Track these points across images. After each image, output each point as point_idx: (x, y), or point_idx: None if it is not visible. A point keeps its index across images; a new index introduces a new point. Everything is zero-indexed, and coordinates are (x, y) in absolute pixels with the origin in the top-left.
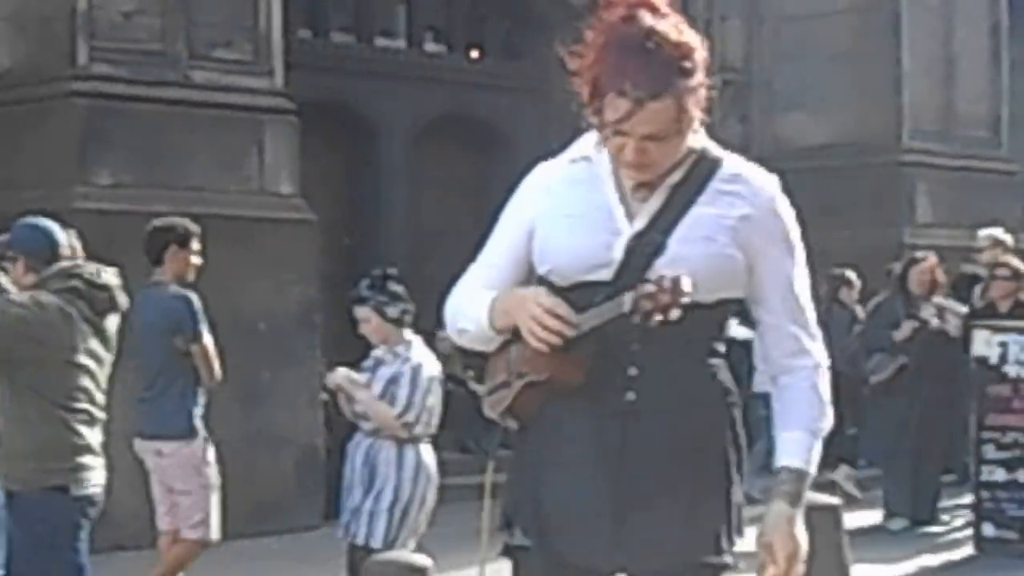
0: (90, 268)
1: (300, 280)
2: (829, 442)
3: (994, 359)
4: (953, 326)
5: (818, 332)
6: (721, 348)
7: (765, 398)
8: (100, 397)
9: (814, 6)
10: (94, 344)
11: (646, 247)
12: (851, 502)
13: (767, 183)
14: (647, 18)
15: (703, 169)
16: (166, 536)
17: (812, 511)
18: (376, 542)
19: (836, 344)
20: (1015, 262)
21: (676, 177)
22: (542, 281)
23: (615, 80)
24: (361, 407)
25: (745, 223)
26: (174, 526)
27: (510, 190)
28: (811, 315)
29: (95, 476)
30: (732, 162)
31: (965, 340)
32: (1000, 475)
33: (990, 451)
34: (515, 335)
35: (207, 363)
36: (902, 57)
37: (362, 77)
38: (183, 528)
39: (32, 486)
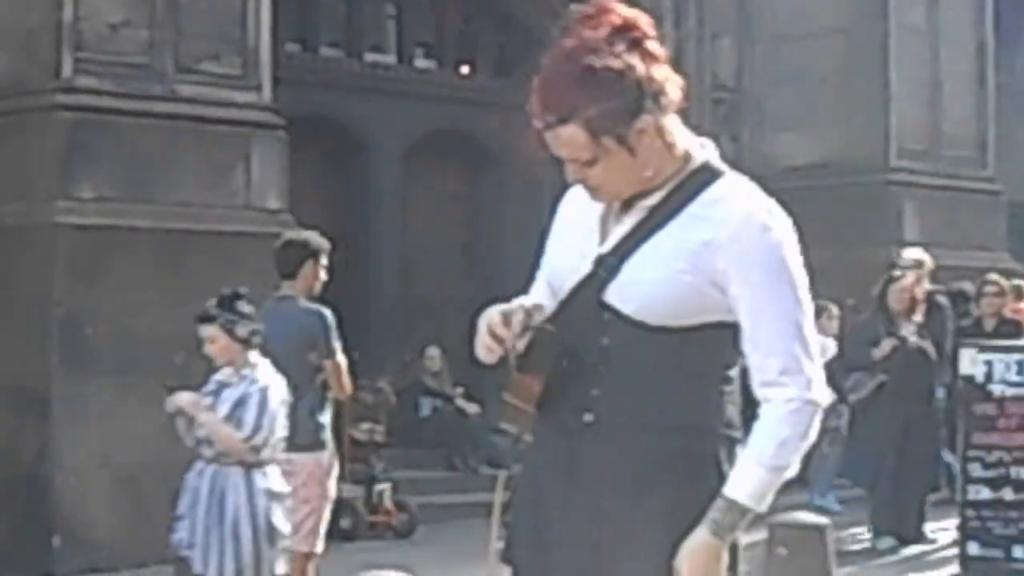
0: None
1: None
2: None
3: (980, 377)
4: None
5: (809, 364)
6: (711, 374)
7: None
8: None
9: (805, 27)
10: None
11: (604, 269)
12: None
13: (747, 208)
14: (571, 40)
15: (687, 190)
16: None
17: (798, 529)
18: (230, 573)
19: None
20: (1002, 280)
21: (654, 199)
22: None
23: (535, 104)
24: (205, 431)
25: (708, 248)
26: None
27: (500, 206)
28: (799, 345)
29: None
30: (723, 184)
31: (953, 358)
32: (985, 494)
33: (976, 470)
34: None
35: (339, 377)
36: (890, 78)
37: (352, 92)
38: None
39: None
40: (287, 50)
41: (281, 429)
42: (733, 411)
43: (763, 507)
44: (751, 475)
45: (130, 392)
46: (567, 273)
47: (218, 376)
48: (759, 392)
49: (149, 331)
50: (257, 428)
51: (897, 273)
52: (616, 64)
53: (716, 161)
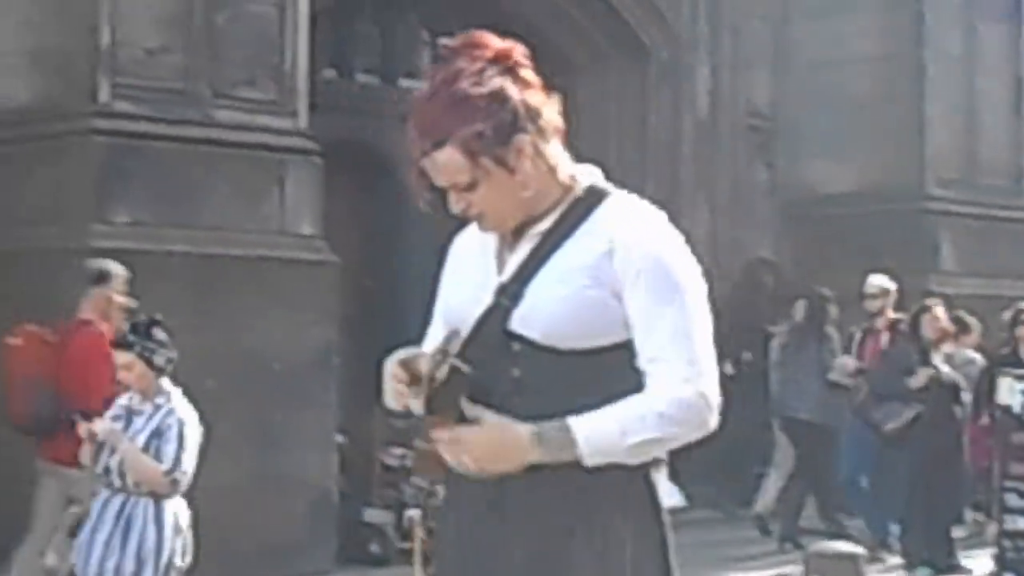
0: None
1: (318, 321)
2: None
3: (1017, 407)
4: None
5: (701, 366)
6: (625, 396)
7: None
8: None
9: (840, 54)
10: None
11: (506, 298)
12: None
13: (638, 220)
14: (443, 71)
15: (579, 211)
16: None
17: (834, 559)
18: None
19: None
20: None
21: (546, 224)
22: None
23: (412, 134)
24: (121, 460)
25: (606, 259)
26: None
27: None
28: (691, 348)
29: None
30: (612, 201)
31: (990, 388)
32: (1023, 524)
33: (1013, 500)
34: None
35: None
36: (926, 106)
37: (386, 118)
38: None
39: None
40: (323, 76)
41: (193, 463)
42: None
43: (587, 458)
44: (602, 423)
45: None
46: (468, 307)
47: (123, 401)
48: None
49: (181, 355)
50: (178, 461)
51: (929, 302)
52: (488, 87)
53: (603, 183)
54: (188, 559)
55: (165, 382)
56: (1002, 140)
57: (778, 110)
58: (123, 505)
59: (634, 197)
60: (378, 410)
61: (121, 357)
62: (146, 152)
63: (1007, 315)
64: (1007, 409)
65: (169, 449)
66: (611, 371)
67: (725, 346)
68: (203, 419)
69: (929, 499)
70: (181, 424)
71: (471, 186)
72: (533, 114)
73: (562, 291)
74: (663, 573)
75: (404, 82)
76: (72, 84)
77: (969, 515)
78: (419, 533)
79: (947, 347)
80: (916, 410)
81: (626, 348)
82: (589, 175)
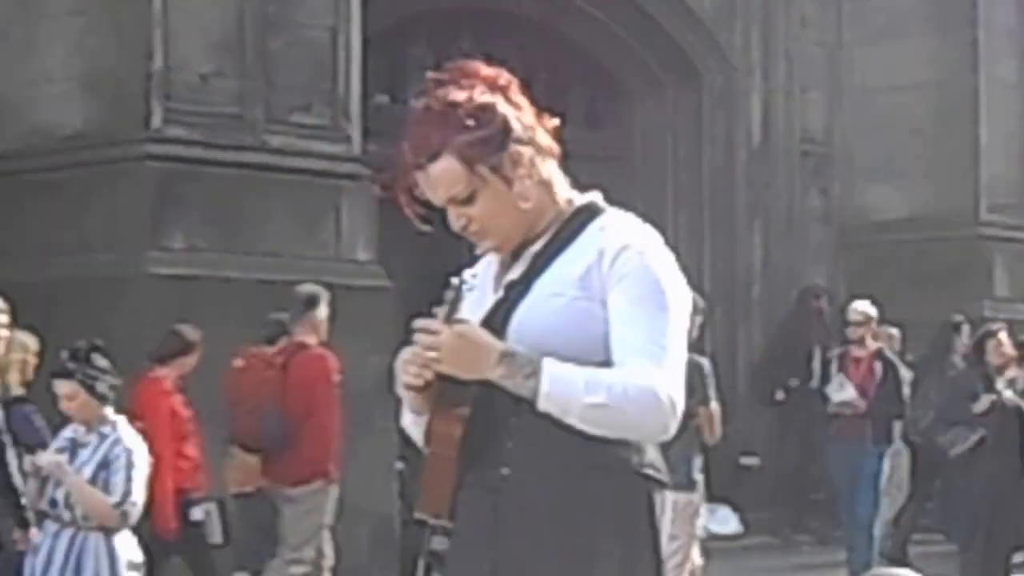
0: None
1: (377, 348)
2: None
3: None
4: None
5: (669, 373)
6: None
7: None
8: None
9: (894, 80)
10: None
11: (499, 317)
12: None
13: (626, 232)
14: (439, 88)
15: (570, 228)
16: None
17: None
18: None
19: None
20: None
21: (539, 245)
22: None
23: (409, 156)
24: (68, 493)
25: (594, 268)
26: None
27: None
28: (662, 353)
29: None
30: (605, 217)
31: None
32: None
33: None
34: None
35: (711, 424)
36: (980, 132)
37: None
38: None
39: None
40: (376, 101)
41: (142, 493)
42: (654, 453)
43: (542, 397)
44: (570, 371)
45: (216, 442)
46: None
47: (68, 433)
48: None
49: None
50: (127, 493)
51: (994, 328)
52: (479, 100)
53: (600, 202)
54: None
55: (109, 411)
56: None
57: (832, 136)
58: (72, 540)
59: (628, 214)
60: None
61: (62, 386)
62: (200, 178)
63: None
64: None
65: (117, 480)
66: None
67: (775, 372)
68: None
69: (991, 523)
70: (129, 454)
71: (469, 199)
72: (527, 129)
73: (554, 304)
74: None
75: None
76: (125, 110)
77: None
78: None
79: (1011, 372)
80: (980, 434)
81: None
82: (586, 198)
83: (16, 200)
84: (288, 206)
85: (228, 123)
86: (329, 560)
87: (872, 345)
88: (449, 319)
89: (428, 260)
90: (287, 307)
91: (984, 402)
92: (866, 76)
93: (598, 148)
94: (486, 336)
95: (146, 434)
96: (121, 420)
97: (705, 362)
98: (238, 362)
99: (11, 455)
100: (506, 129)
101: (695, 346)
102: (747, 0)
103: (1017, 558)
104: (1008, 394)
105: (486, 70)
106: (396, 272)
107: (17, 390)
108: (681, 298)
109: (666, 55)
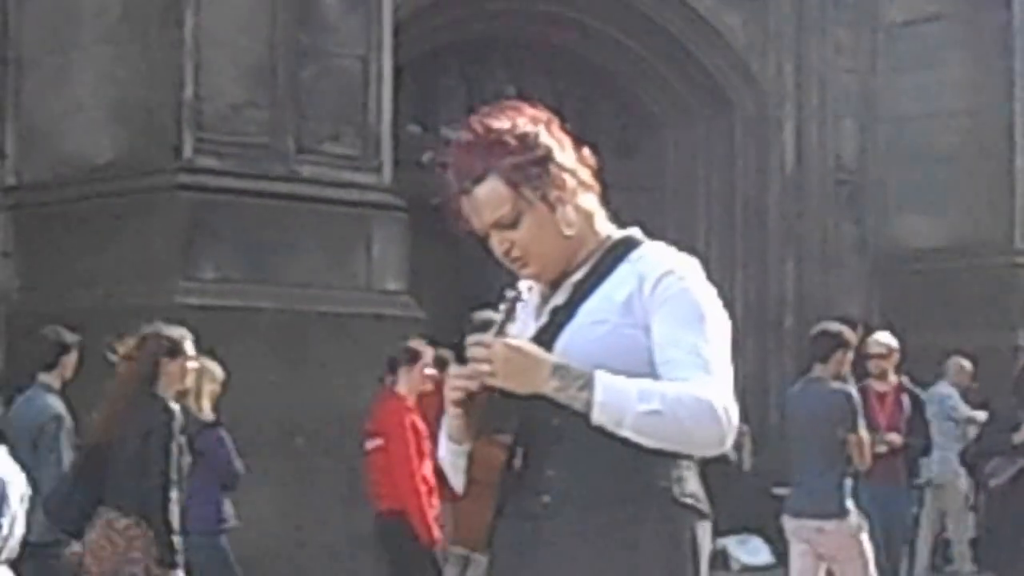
0: None
1: None
2: None
3: None
4: None
5: (721, 388)
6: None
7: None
8: None
9: (927, 107)
10: None
11: (545, 341)
12: None
13: (666, 259)
14: (478, 119)
15: (610, 258)
16: None
17: None
18: None
19: None
20: None
21: (580, 274)
22: None
23: (452, 182)
24: None
25: (636, 295)
26: None
27: None
28: (712, 365)
29: None
30: (644, 248)
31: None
32: None
33: None
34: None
35: (861, 451)
36: (1015, 160)
37: None
38: None
39: None
40: (408, 131)
41: (21, 527)
42: (696, 484)
43: (596, 408)
44: (622, 380)
45: (249, 473)
46: None
47: None
48: None
49: (268, 413)
50: None
51: None
52: (523, 127)
53: (639, 235)
54: None
55: None
56: None
57: (866, 164)
58: None
59: (664, 244)
60: None
61: None
62: (231, 208)
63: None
64: None
65: None
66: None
67: None
68: (292, 477)
69: None
70: (3, 486)
71: (514, 223)
72: (569, 160)
73: (597, 331)
74: None
75: None
76: (156, 139)
77: None
78: None
79: None
80: (1020, 465)
81: None
82: (626, 232)
83: (47, 230)
84: (319, 236)
85: (259, 153)
86: None
87: (894, 379)
88: (502, 331)
89: (459, 290)
90: (318, 337)
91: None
92: (900, 104)
93: (630, 177)
94: (539, 349)
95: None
96: (1, 450)
97: (852, 390)
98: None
99: (172, 491)
100: (549, 154)
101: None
102: (780, 28)
103: None
104: None
105: (528, 107)
106: (427, 302)
107: (208, 415)
108: (723, 321)
109: (698, 83)
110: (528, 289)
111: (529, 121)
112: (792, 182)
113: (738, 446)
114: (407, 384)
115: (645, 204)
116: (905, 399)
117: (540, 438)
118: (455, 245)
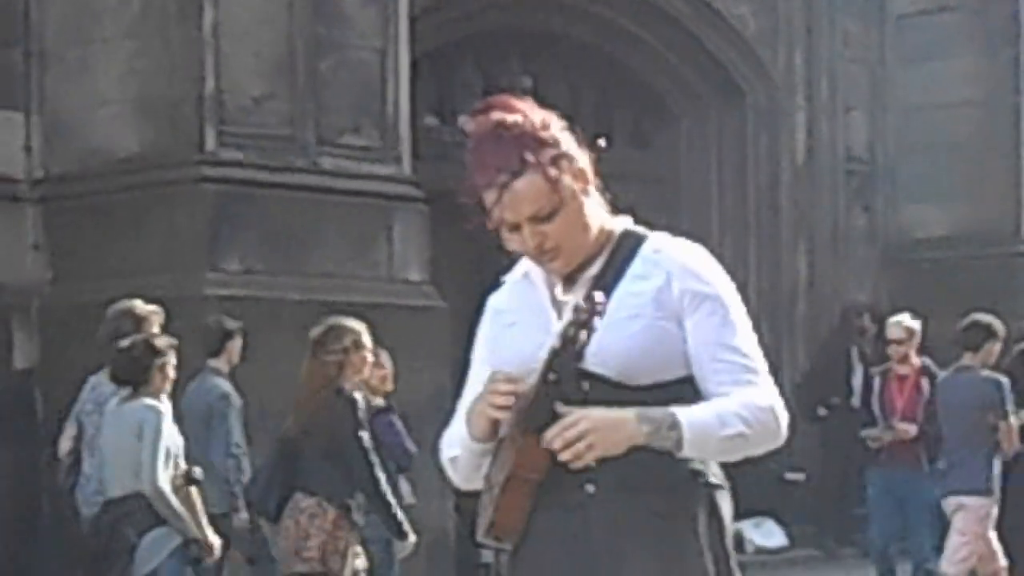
0: None
1: (430, 367)
2: None
3: None
4: None
5: (763, 377)
6: None
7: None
8: None
9: (937, 98)
10: None
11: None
12: None
13: (687, 252)
14: (494, 113)
15: (623, 252)
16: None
17: None
18: None
19: None
20: None
21: (595, 268)
22: None
23: (482, 176)
24: None
25: (665, 289)
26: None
27: None
28: (756, 365)
29: None
30: (654, 240)
31: None
32: None
33: None
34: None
35: (1009, 436)
36: (1022, 150)
37: None
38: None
39: None
40: (425, 123)
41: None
42: (716, 465)
43: (687, 443)
44: (700, 411)
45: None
46: (532, 353)
47: None
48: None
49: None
50: None
51: None
52: (542, 118)
53: (636, 226)
54: None
55: None
56: None
57: (876, 154)
58: None
59: (671, 236)
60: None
61: None
62: (255, 199)
63: None
64: None
65: None
66: (672, 405)
67: (817, 389)
68: None
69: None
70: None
71: (550, 216)
72: (580, 152)
73: (633, 327)
74: None
75: None
76: (178, 132)
77: None
78: None
79: None
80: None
81: (686, 383)
82: (622, 222)
83: (74, 223)
84: (340, 227)
85: (280, 145)
86: None
87: (916, 362)
88: (575, 337)
89: (480, 281)
90: None
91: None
92: (909, 95)
93: (643, 168)
94: (614, 411)
95: None
96: None
97: (1004, 381)
98: None
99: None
100: (570, 148)
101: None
102: (790, 20)
103: None
104: None
105: (524, 102)
106: (449, 292)
107: (379, 402)
108: (738, 298)
109: (711, 76)
110: (523, 276)
111: (546, 115)
112: (803, 172)
113: None
114: None
115: (659, 195)
116: (925, 382)
117: None
118: (475, 236)
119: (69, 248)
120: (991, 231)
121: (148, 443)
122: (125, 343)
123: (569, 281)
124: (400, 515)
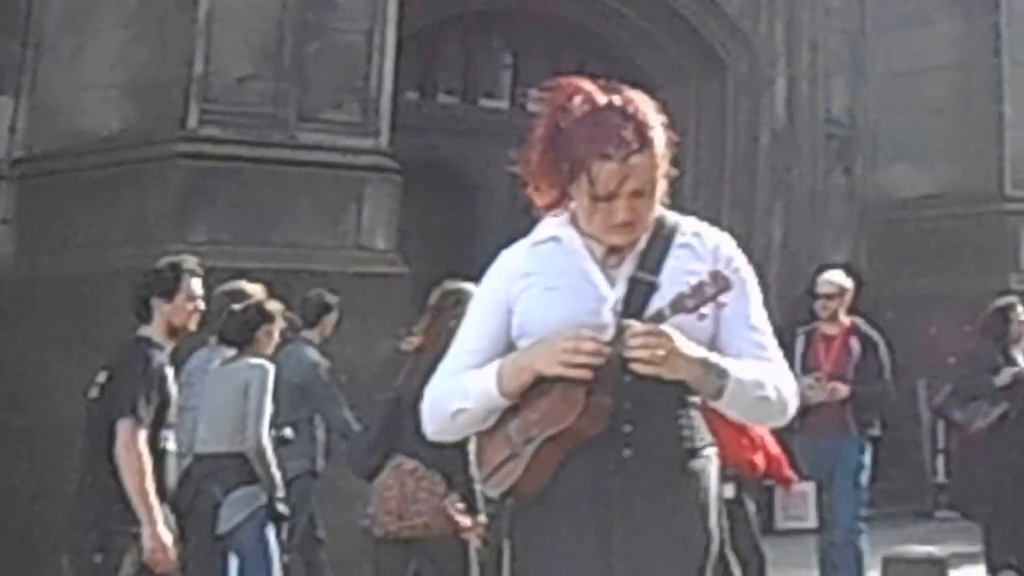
0: None
1: (385, 332)
2: None
3: None
4: None
5: (781, 361)
6: (692, 401)
7: None
8: None
9: (917, 63)
10: None
11: (634, 307)
12: None
13: (720, 238)
14: (601, 95)
15: (665, 233)
16: None
17: (915, 564)
18: None
19: None
20: None
21: (642, 244)
22: None
23: (596, 147)
24: None
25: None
26: None
27: None
28: (774, 347)
29: None
30: (688, 223)
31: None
32: None
33: None
34: (521, 399)
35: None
36: (1004, 110)
37: (466, 137)
38: None
39: None
40: (407, 98)
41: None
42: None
43: (728, 391)
44: (746, 373)
45: None
46: (574, 321)
47: None
48: None
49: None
50: None
51: (1013, 300)
52: (656, 104)
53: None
54: None
55: None
56: None
57: (856, 118)
58: None
59: (698, 221)
60: None
61: None
62: (229, 174)
63: None
64: None
65: None
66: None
67: (789, 351)
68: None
69: (1016, 501)
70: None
71: (647, 192)
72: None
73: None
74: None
75: (485, 102)
76: (164, 113)
77: None
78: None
79: None
80: (1002, 409)
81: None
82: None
83: (47, 199)
84: (314, 199)
85: (261, 122)
86: None
87: (846, 321)
88: (694, 308)
89: (452, 249)
90: (302, 294)
91: (1006, 375)
92: (890, 61)
93: None
94: (692, 350)
95: None
96: None
97: None
98: None
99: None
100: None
101: None
102: None
103: None
104: None
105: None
106: (422, 261)
107: None
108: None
109: (691, 45)
110: (549, 239)
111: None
112: (783, 137)
113: None
114: None
115: None
116: (855, 342)
117: (619, 396)
118: (450, 207)
119: (38, 223)
120: (972, 190)
121: (254, 401)
122: (238, 306)
123: (613, 252)
124: (478, 491)
